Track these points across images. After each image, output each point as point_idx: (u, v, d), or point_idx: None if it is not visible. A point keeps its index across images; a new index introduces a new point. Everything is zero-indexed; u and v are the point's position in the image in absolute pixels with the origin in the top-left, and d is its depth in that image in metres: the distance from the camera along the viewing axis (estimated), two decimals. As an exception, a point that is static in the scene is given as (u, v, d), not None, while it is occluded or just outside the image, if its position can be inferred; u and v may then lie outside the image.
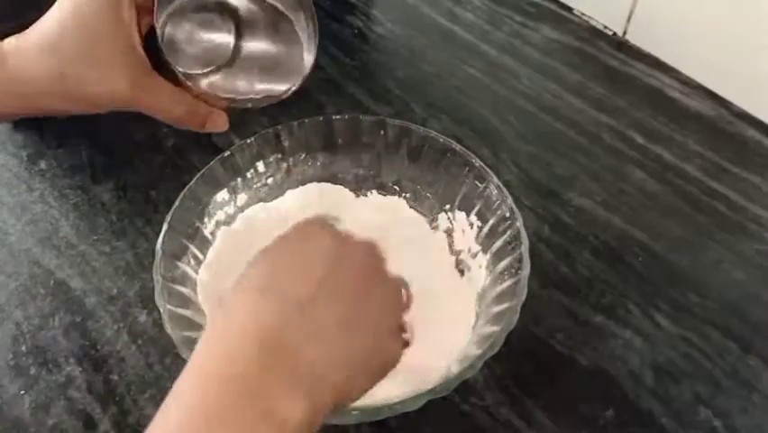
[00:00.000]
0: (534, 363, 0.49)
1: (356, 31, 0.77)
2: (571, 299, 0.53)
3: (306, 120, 0.52)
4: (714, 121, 0.66)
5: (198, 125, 0.44)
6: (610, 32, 0.76)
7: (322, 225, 0.38)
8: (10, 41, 0.40)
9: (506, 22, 0.77)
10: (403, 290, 0.40)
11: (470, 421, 0.46)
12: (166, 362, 0.49)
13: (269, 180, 0.53)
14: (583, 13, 0.78)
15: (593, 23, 0.77)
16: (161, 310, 0.41)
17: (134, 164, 0.62)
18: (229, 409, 0.29)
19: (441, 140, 0.51)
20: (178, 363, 0.48)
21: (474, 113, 0.67)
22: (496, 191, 0.48)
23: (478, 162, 0.49)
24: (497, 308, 0.44)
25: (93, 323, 0.51)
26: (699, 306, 0.52)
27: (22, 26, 0.42)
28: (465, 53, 0.74)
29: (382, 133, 0.52)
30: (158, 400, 0.46)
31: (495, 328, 0.41)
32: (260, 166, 0.52)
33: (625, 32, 0.74)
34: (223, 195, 0.50)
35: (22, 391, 0.48)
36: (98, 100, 0.40)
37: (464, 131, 0.65)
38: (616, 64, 0.72)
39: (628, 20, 0.73)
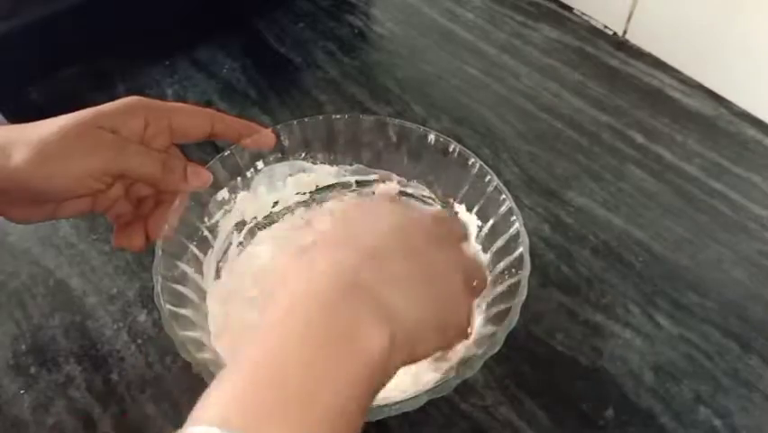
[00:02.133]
0: (534, 363, 0.49)
1: (356, 30, 0.77)
2: (571, 299, 0.53)
3: (306, 119, 0.52)
4: (714, 120, 0.66)
5: (179, 181, 0.45)
6: (610, 32, 0.76)
7: (387, 198, 0.42)
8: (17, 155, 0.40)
9: (506, 21, 0.77)
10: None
11: (470, 421, 0.46)
12: (166, 361, 0.49)
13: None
14: (583, 13, 0.78)
15: (593, 22, 0.77)
16: (161, 310, 0.41)
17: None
18: (316, 335, 0.30)
19: (441, 139, 0.50)
20: (177, 363, 0.48)
21: (474, 112, 0.67)
22: (496, 191, 0.48)
23: (478, 162, 0.49)
24: (497, 308, 0.44)
25: (93, 322, 0.51)
26: (699, 305, 0.52)
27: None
28: (465, 53, 0.74)
29: (383, 132, 0.52)
30: (158, 400, 0.47)
31: (495, 328, 0.41)
32: (260, 165, 0.52)
33: (625, 32, 0.74)
34: (222, 194, 0.50)
35: (22, 391, 0.48)
36: (75, 176, 0.41)
37: (464, 130, 0.65)
38: (616, 64, 0.72)
39: (628, 19, 0.73)
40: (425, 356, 0.36)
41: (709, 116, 0.67)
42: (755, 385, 0.48)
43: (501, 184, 0.48)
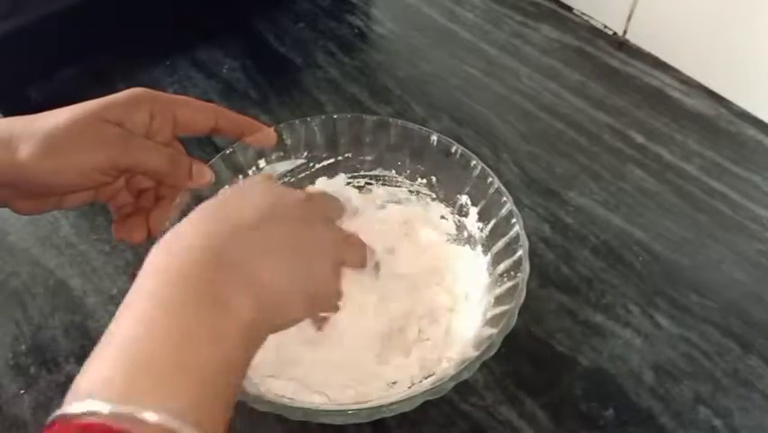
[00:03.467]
0: (534, 363, 0.49)
1: (356, 30, 0.77)
2: (571, 299, 0.53)
3: (309, 118, 0.52)
4: (714, 120, 0.66)
5: (183, 177, 0.45)
6: (610, 32, 0.76)
7: (262, 177, 0.41)
8: (21, 150, 0.40)
9: (506, 21, 0.77)
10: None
11: (469, 421, 0.46)
12: (166, 361, 0.49)
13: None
14: (583, 13, 0.78)
15: (593, 22, 0.77)
16: None
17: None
18: (186, 301, 0.30)
19: (443, 141, 0.50)
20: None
21: (474, 112, 0.67)
22: (497, 193, 0.48)
23: (480, 164, 0.49)
24: (495, 311, 0.44)
25: (93, 322, 0.51)
26: (699, 305, 0.52)
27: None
28: (465, 53, 0.73)
29: (385, 132, 0.52)
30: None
31: (493, 331, 0.41)
32: (262, 163, 0.52)
33: (625, 32, 0.74)
34: (224, 192, 0.50)
35: (22, 391, 0.48)
36: (82, 171, 0.41)
37: (464, 130, 0.65)
38: (616, 63, 0.72)
39: (628, 19, 0.73)
40: (292, 324, 0.37)
41: (709, 116, 0.67)
42: (755, 385, 0.48)
43: (502, 186, 0.48)
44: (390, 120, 0.52)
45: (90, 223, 0.57)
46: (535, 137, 0.65)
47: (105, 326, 0.50)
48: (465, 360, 0.41)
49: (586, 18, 0.77)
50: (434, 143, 0.51)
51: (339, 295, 0.40)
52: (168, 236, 0.34)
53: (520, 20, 0.77)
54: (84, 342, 0.50)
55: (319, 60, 0.72)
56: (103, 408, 0.26)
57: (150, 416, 0.26)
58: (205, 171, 0.46)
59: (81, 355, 0.49)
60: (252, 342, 0.33)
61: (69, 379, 0.47)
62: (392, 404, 0.39)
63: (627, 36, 0.74)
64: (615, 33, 0.75)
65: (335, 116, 0.52)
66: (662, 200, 0.60)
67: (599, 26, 0.76)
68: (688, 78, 0.70)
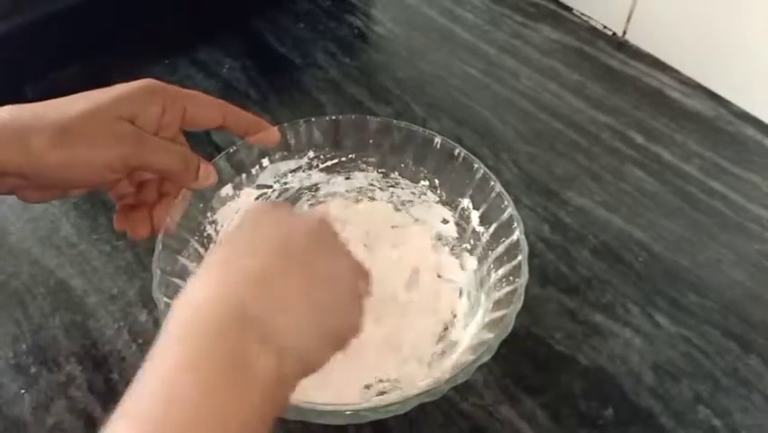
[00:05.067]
0: (533, 363, 0.49)
1: (356, 30, 0.77)
2: (570, 299, 0.53)
3: (313, 119, 0.52)
4: (713, 121, 0.67)
5: (191, 178, 0.45)
6: (610, 32, 0.76)
7: (273, 205, 0.40)
8: (8, 109, 0.40)
9: (505, 22, 0.77)
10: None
11: (469, 421, 0.46)
12: (166, 361, 0.49)
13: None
14: (583, 13, 0.78)
15: (593, 22, 0.77)
16: (157, 303, 0.41)
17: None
18: (209, 366, 0.30)
19: (447, 144, 0.50)
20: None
21: (474, 113, 0.67)
22: (499, 197, 0.48)
23: (483, 168, 0.49)
24: (493, 315, 0.44)
25: (93, 322, 0.51)
26: (698, 305, 0.52)
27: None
28: (465, 53, 0.74)
29: (388, 134, 0.52)
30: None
31: (490, 335, 0.41)
32: (265, 162, 0.52)
33: (624, 32, 0.75)
34: (227, 190, 0.50)
35: (23, 391, 0.48)
36: (94, 168, 0.41)
37: (464, 131, 0.65)
38: (615, 64, 0.72)
39: (628, 20, 0.73)
40: (321, 365, 0.36)
41: (709, 117, 0.67)
42: (755, 385, 0.48)
43: (504, 191, 0.47)
44: (394, 121, 0.52)
45: (91, 223, 0.57)
46: (535, 137, 0.65)
47: (106, 325, 0.51)
48: (461, 364, 0.41)
49: (585, 18, 0.77)
50: (438, 146, 0.51)
51: (360, 324, 0.39)
52: (189, 287, 0.34)
53: (520, 20, 0.77)
54: (84, 342, 0.50)
55: (319, 61, 0.72)
56: None
57: None
58: (210, 173, 0.46)
59: (81, 355, 0.49)
60: (279, 395, 0.32)
61: (70, 379, 0.48)
62: (383, 407, 0.39)
63: (627, 37, 0.75)
64: (614, 34, 0.75)
65: (340, 117, 0.52)
66: (661, 200, 0.60)
67: (599, 27, 0.76)
68: (687, 78, 0.70)
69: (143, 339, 0.50)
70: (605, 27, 0.76)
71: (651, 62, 0.72)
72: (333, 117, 0.52)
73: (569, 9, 0.79)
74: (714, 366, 0.49)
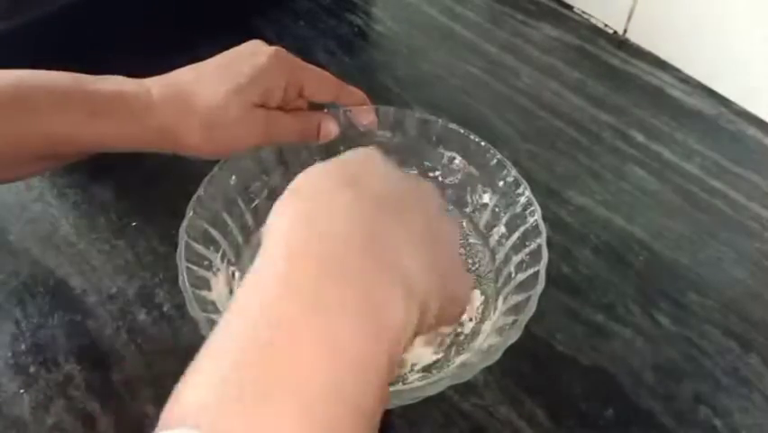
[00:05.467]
0: (534, 363, 0.49)
1: (356, 29, 0.76)
2: (571, 299, 0.52)
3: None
4: (714, 119, 0.66)
5: (312, 137, 0.49)
6: (611, 31, 0.76)
7: (373, 155, 0.33)
8: (157, 88, 0.44)
9: (506, 20, 0.77)
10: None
11: (469, 421, 0.46)
12: (165, 361, 0.49)
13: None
14: (584, 12, 0.77)
15: (594, 21, 0.77)
16: (185, 293, 0.41)
17: (134, 163, 0.61)
18: (325, 307, 0.24)
19: (484, 146, 0.50)
20: (177, 363, 0.48)
21: (474, 111, 0.67)
22: (526, 201, 0.47)
23: (513, 172, 0.48)
24: (503, 321, 0.44)
25: (92, 322, 0.51)
26: (699, 305, 0.52)
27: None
28: (465, 52, 0.73)
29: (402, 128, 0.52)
30: (157, 399, 0.46)
31: (497, 339, 0.41)
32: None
33: (625, 31, 0.74)
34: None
35: (22, 390, 0.47)
36: (235, 151, 0.46)
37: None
38: (616, 62, 0.72)
39: (629, 18, 0.73)
40: (429, 330, 0.31)
41: (710, 115, 0.67)
42: (755, 385, 0.48)
43: (533, 198, 0.46)
44: (431, 119, 0.52)
45: (90, 222, 0.57)
46: (535, 136, 0.65)
47: (105, 325, 0.51)
48: (466, 362, 0.40)
49: (586, 17, 0.77)
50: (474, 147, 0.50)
51: (469, 295, 0.36)
52: (298, 201, 0.28)
53: (520, 19, 0.77)
54: (83, 341, 0.50)
55: (319, 59, 0.72)
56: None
57: None
58: (330, 130, 0.49)
59: (80, 354, 0.49)
60: (398, 354, 0.26)
61: (69, 378, 0.48)
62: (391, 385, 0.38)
63: (628, 35, 0.74)
64: (615, 32, 0.75)
65: (409, 112, 0.52)
66: (662, 199, 0.59)
67: (600, 25, 0.76)
68: (688, 77, 0.70)
69: (142, 339, 0.50)
70: (606, 25, 0.76)
71: (652, 61, 0.72)
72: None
73: (569, 7, 0.78)
74: (714, 366, 0.49)
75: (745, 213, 0.58)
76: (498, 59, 0.72)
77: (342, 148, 0.50)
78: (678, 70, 0.71)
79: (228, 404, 0.21)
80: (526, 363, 0.49)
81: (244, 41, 0.48)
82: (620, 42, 0.74)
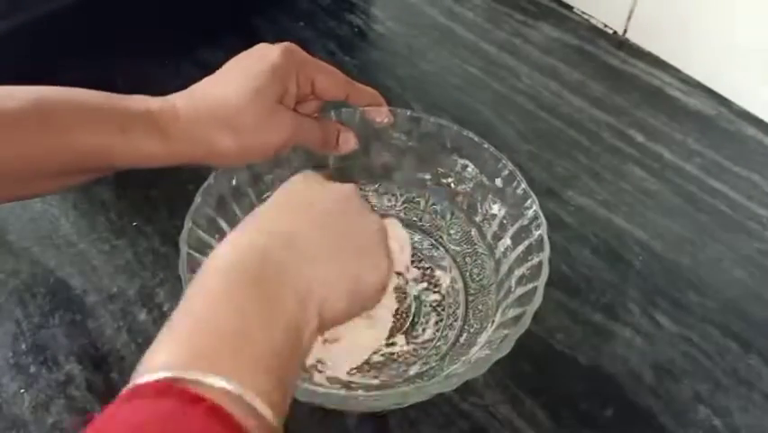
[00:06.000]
0: (534, 363, 0.49)
1: (356, 29, 0.76)
2: (571, 299, 0.53)
3: (335, 111, 0.52)
4: (714, 119, 0.66)
5: (333, 146, 0.50)
6: (610, 31, 0.76)
7: (304, 176, 0.42)
8: (181, 101, 0.44)
9: (506, 20, 0.77)
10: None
11: (469, 420, 0.46)
12: (166, 360, 0.49)
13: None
14: (583, 12, 0.78)
15: (593, 21, 0.77)
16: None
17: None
18: (244, 294, 0.32)
19: (494, 153, 0.51)
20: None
21: (474, 111, 0.67)
22: (533, 215, 0.47)
23: (523, 185, 0.48)
24: (496, 334, 0.44)
25: (93, 321, 0.51)
26: (698, 305, 0.52)
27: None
28: (465, 52, 0.73)
29: (439, 137, 0.53)
30: (158, 399, 0.47)
31: (487, 353, 0.41)
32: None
33: (625, 31, 0.74)
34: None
35: (22, 390, 0.48)
36: (266, 153, 0.45)
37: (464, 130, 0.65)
38: (616, 63, 0.72)
39: (628, 18, 0.73)
40: (342, 319, 0.38)
41: (709, 115, 0.67)
42: (755, 385, 0.48)
43: (539, 210, 0.47)
44: (423, 116, 0.52)
45: (90, 222, 0.57)
46: (535, 136, 0.65)
47: (106, 325, 0.51)
48: (452, 373, 0.41)
49: (586, 17, 0.77)
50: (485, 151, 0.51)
51: (387, 282, 0.40)
52: (228, 236, 0.37)
53: (520, 19, 0.77)
54: (84, 341, 0.50)
55: (319, 59, 0.72)
56: (174, 374, 0.28)
57: (217, 381, 0.28)
58: (350, 140, 0.50)
59: (81, 354, 0.49)
60: (301, 338, 0.34)
61: (69, 378, 0.48)
62: (379, 389, 0.39)
63: (627, 35, 0.74)
64: (615, 32, 0.75)
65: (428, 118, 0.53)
66: (662, 199, 0.60)
67: (599, 25, 0.76)
68: (688, 77, 0.70)
69: (143, 338, 0.50)
70: (605, 26, 0.76)
71: (651, 61, 0.72)
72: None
73: (569, 8, 0.78)
74: (714, 366, 0.49)
75: (745, 213, 0.58)
76: (497, 60, 0.72)
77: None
78: (678, 70, 0.71)
79: (193, 354, 0.29)
80: (526, 363, 0.49)
81: (244, 42, 0.48)
82: (620, 42, 0.74)
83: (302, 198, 0.40)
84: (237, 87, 0.43)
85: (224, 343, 0.30)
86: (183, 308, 0.32)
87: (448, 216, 0.54)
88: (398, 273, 0.50)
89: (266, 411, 0.28)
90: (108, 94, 0.43)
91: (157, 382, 0.28)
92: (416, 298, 0.51)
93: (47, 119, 0.40)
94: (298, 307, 0.33)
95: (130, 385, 0.29)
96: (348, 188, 0.42)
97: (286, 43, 0.46)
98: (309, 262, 0.35)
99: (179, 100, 0.44)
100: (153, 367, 0.29)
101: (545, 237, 0.45)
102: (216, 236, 0.47)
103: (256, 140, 0.44)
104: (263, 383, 0.29)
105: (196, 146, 0.43)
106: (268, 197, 0.51)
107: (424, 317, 0.50)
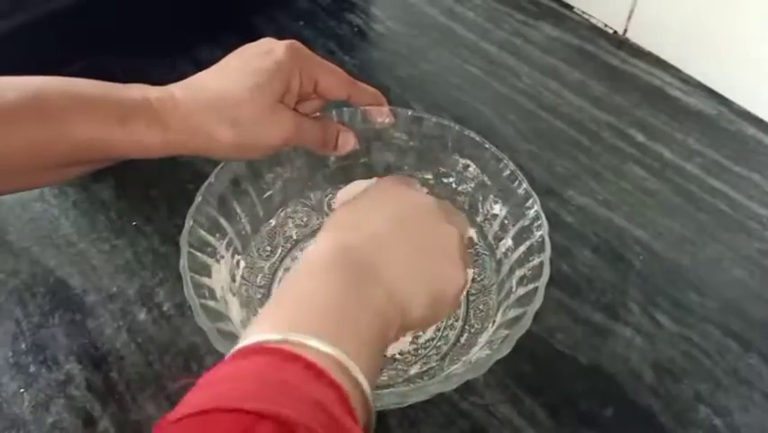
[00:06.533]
0: (534, 362, 0.49)
1: (356, 29, 0.76)
2: (571, 298, 0.52)
3: (335, 111, 0.52)
4: (714, 119, 0.66)
5: (333, 147, 0.49)
6: (611, 31, 0.76)
7: (395, 179, 0.46)
8: (180, 91, 0.43)
9: (506, 20, 0.77)
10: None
11: (470, 420, 0.46)
12: (165, 360, 0.49)
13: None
14: (584, 12, 0.77)
15: (594, 21, 0.77)
16: (192, 304, 0.41)
17: (134, 162, 0.61)
18: (336, 288, 0.35)
19: (497, 154, 0.50)
20: (177, 362, 0.48)
21: (474, 111, 0.67)
22: (534, 215, 0.47)
23: (525, 185, 0.48)
24: (497, 334, 0.44)
25: (92, 321, 0.51)
26: (699, 304, 0.52)
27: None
28: (465, 51, 0.73)
29: (416, 130, 0.52)
30: (157, 399, 0.47)
31: (487, 353, 0.41)
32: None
33: (625, 31, 0.74)
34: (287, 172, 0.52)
35: (22, 389, 0.48)
36: (265, 151, 0.45)
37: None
38: (616, 62, 0.72)
39: (629, 18, 0.73)
40: (420, 324, 0.40)
41: (710, 115, 0.67)
42: (755, 384, 0.48)
43: (541, 211, 0.47)
44: (425, 116, 0.52)
45: (90, 222, 0.57)
46: (536, 136, 0.65)
47: (105, 324, 0.51)
48: (452, 374, 0.41)
49: (586, 17, 0.77)
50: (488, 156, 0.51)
51: (461, 293, 0.42)
52: (321, 232, 0.40)
53: (520, 18, 0.77)
54: (83, 340, 0.50)
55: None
56: (277, 337, 0.30)
57: (321, 344, 0.30)
58: (349, 141, 0.50)
59: (81, 354, 0.49)
60: (387, 327, 0.35)
61: (69, 377, 0.48)
62: (379, 389, 0.39)
63: (628, 35, 0.74)
64: (615, 32, 0.75)
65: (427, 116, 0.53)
66: (662, 199, 0.60)
67: (600, 25, 0.76)
68: (688, 76, 0.70)
69: (142, 338, 0.50)
70: (606, 25, 0.76)
71: (652, 61, 0.72)
72: (361, 110, 0.52)
73: (569, 7, 0.78)
74: (714, 365, 0.49)
75: (746, 212, 0.58)
76: (497, 59, 0.72)
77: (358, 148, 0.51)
78: (678, 70, 0.71)
79: (296, 325, 0.31)
80: (526, 363, 0.49)
81: (244, 41, 0.48)
82: (620, 42, 0.74)
83: (389, 204, 0.42)
84: (237, 81, 0.43)
85: (327, 314, 0.32)
86: (284, 288, 0.35)
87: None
88: None
89: (362, 379, 0.30)
90: (107, 83, 0.42)
91: (257, 343, 0.29)
92: None
93: (45, 110, 0.40)
94: (386, 300, 0.36)
95: (233, 350, 0.30)
96: (430, 199, 0.44)
97: (291, 41, 0.46)
98: (394, 264, 0.38)
99: (178, 90, 0.43)
100: (256, 332, 0.30)
101: (546, 238, 0.45)
102: (217, 235, 0.47)
103: (254, 135, 0.44)
104: (362, 354, 0.31)
105: (194, 137, 0.43)
106: (269, 195, 0.52)
107: None
